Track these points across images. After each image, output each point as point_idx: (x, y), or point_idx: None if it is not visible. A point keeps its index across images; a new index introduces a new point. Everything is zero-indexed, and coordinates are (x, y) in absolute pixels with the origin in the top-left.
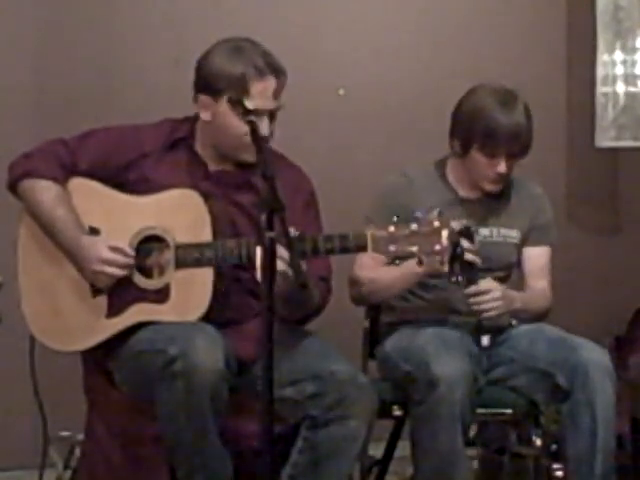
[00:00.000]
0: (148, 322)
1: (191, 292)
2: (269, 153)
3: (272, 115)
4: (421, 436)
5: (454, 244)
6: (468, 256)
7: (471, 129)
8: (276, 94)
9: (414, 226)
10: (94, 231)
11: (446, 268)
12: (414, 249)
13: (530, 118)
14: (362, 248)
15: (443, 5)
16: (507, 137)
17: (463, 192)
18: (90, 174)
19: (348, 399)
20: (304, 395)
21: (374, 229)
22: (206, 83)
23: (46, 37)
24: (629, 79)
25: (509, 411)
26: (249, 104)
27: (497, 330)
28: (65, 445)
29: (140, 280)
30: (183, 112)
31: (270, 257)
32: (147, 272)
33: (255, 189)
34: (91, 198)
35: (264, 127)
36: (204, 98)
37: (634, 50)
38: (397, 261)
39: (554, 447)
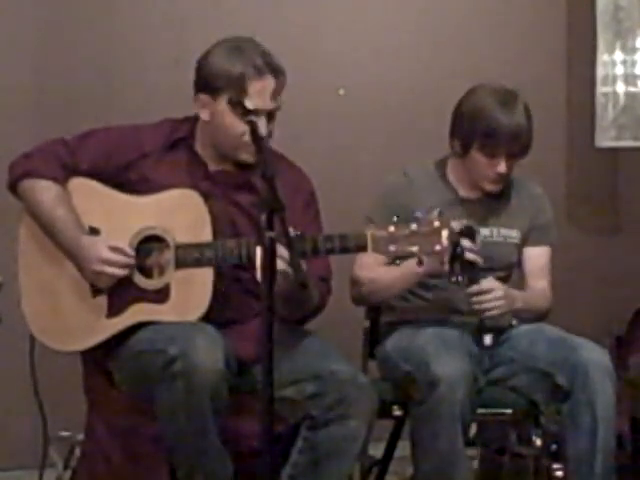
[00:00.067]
0: (148, 322)
1: (191, 292)
2: (269, 153)
3: (271, 115)
4: (421, 436)
5: (454, 244)
6: (469, 256)
7: (471, 129)
8: (275, 94)
9: (414, 226)
10: (94, 231)
11: (446, 268)
12: (414, 249)
13: (530, 118)
14: (362, 248)
15: (443, 5)
16: (507, 137)
17: (463, 192)
18: (90, 174)
19: (348, 399)
20: (304, 395)
21: (374, 229)
22: (205, 82)
23: (46, 37)
24: (629, 79)
25: (509, 411)
26: (249, 104)
27: (498, 330)
28: (65, 445)
29: (140, 280)
30: (183, 112)
31: (270, 257)
32: (147, 272)
33: (255, 189)
34: (91, 198)
35: (262, 127)
36: (203, 97)
37: (634, 50)
38: (397, 261)
39: (554, 447)
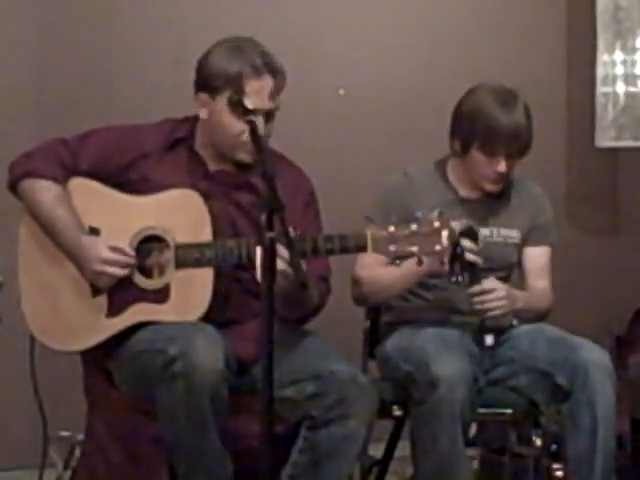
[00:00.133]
0: (148, 322)
1: (191, 292)
2: (269, 153)
3: (269, 116)
4: (421, 436)
5: (454, 244)
6: (469, 256)
7: (471, 128)
8: (273, 95)
9: (414, 226)
10: (94, 231)
11: (446, 268)
12: (414, 249)
13: (530, 118)
14: (362, 248)
15: (443, 5)
16: (507, 136)
17: (463, 192)
18: (90, 174)
19: (348, 399)
20: (304, 395)
21: (374, 229)
22: (205, 81)
23: (46, 37)
24: (629, 79)
25: (509, 411)
26: (248, 103)
27: (499, 330)
28: (65, 445)
29: (140, 280)
30: (183, 112)
31: (270, 257)
32: (147, 272)
33: (255, 189)
34: (91, 198)
35: (259, 127)
36: (202, 96)
37: (634, 50)
38: (397, 261)
39: (554, 447)
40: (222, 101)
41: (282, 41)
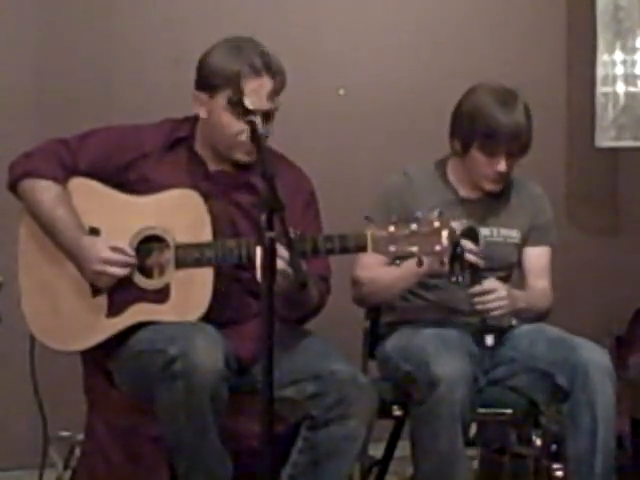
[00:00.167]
0: (148, 322)
1: (191, 292)
2: (268, 153)
3: (267, 116)
4: (421, 436)
5: (454, 244)
6: (469, 257)
7: (471, 128)
8: (271, 95)
9: (414, 226)
10: (94, 231)
11: (446, 268)
12: (414, 249)
13: (530, 118)
14: (362, 248)
15: (443, 5)
16: (507, 136)
17: (464, 192)
18: (90, 174)
19: (348, 399)
20: (304, 395)
21: (374, 229)
22: (204, 80)
23: (46, 37)
24: (629, 79)
25: (509, 411)
26: (248, 103)
27: (499, 330)
28: (65, 445)
29: (140, 280)
30: (183, 112)
31: (270, 257)
32: (147, 272)
33: (255, 189)
34: (91, 198)
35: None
36: (202, 95)
37: (634, 50)
38: (397, 261)
39: (554, 447)
40: (221, 100)
41: (282, 41)
